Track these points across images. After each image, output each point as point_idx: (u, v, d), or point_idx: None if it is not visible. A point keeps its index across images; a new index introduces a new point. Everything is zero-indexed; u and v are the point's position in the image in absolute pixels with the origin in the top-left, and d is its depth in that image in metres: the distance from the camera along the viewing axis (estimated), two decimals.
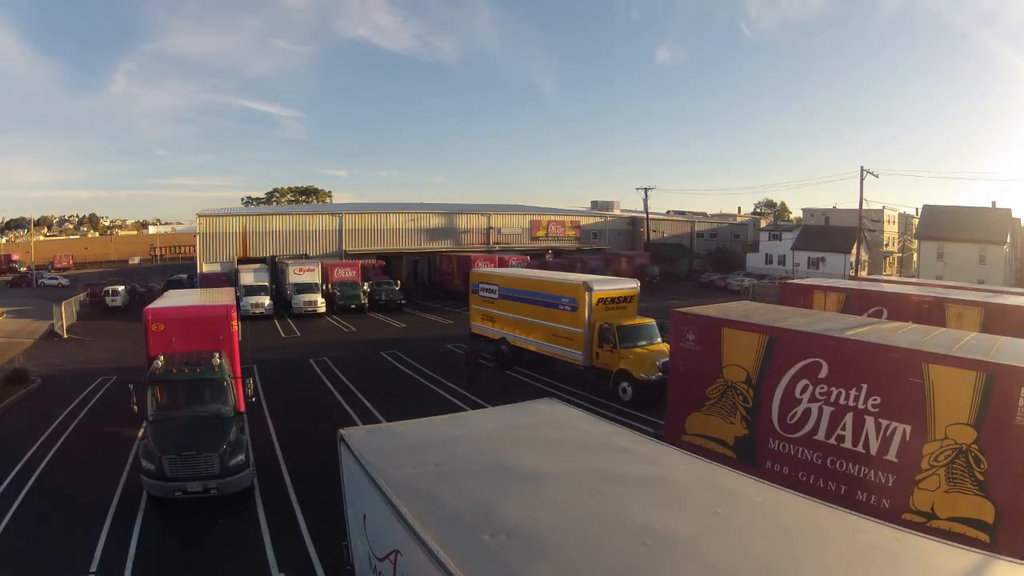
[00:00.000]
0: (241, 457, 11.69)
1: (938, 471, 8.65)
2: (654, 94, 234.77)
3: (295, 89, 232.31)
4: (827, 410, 9.96)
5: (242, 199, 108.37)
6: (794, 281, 27.06)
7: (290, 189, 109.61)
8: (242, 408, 13.61)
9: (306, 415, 17.69)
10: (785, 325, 11.16)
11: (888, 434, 9.20)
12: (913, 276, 52.43)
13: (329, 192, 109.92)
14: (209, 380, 12.68)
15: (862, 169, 45.11)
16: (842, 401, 9.79)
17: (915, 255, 58.88)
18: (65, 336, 31.82)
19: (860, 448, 9.54)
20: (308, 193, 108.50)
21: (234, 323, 14.68)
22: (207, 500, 11.53)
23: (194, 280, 45.75)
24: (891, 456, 9.15)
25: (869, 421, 9.43)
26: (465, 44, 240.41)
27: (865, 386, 9.51)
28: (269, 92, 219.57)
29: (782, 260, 63.21)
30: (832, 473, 9.94)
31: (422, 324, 35.49)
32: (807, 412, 10.23)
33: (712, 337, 11.76)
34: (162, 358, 13.02)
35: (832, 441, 9.90)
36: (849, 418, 9.68)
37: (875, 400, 9.41)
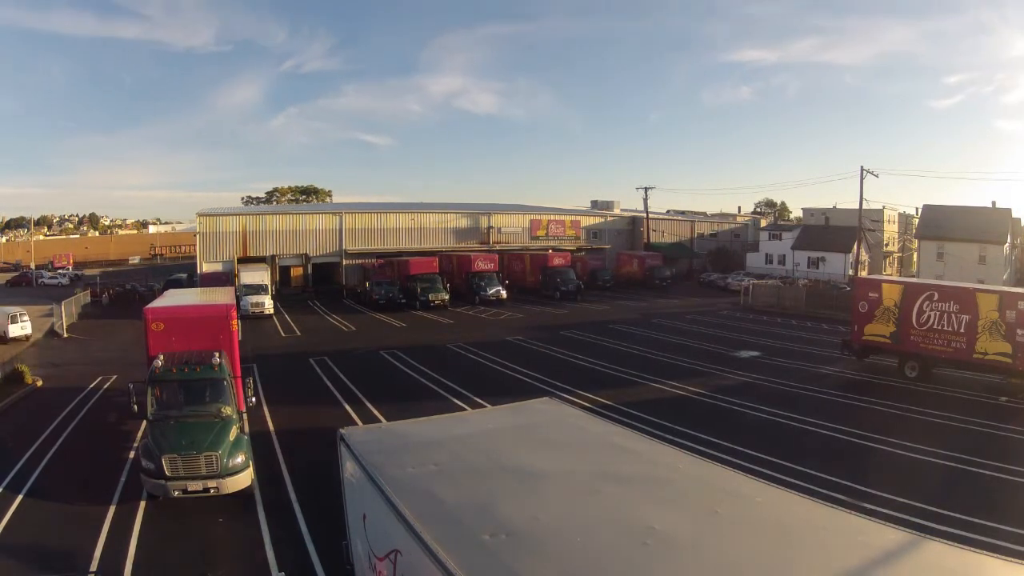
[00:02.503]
0: (241, 457, 11.68)
1: (985, 331, 20.05)
2: (653, 93, 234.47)
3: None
4: (936, 314, 21.29)
5: (242, 198, 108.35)
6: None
7: (290, 188, 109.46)
8: (243, 408, 13.62)
9: (306, 414, 17.71)
10: (913, 281, 25.03)
11: (962, 320, 20.64)
12: (913, 276, 52.44)
13: (329, 191, 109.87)
14: (209, 380, 12.68)
15: (862, 169, 45.13)
16: (943, 309, 21.16)
17: (915, 255, 58.83)
18: (65, 335, 31.83)
19: (952, 328, 20.91)
20: (308, 193, 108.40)
21: (234, 323, 14.70)
22: (207, 500, 11.54)
23: (194, 279, 45.76)
24: (962, 330, 20.62)
25: (955, 316, 20.84)
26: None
27: (951, 302, 21.00)
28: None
29: (782, 260, 63.17)
30: (940, 340, 21.25)
31: (422, 324, 35.50)
32: (928, 315, 21.50)
33: (877, 286, 23.66)
34: (162, 358, 12.99)
35: (939, 327, 21.23)
36: (946, 316, 21.09)
37: (956, 307, 20.83)
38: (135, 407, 12.45)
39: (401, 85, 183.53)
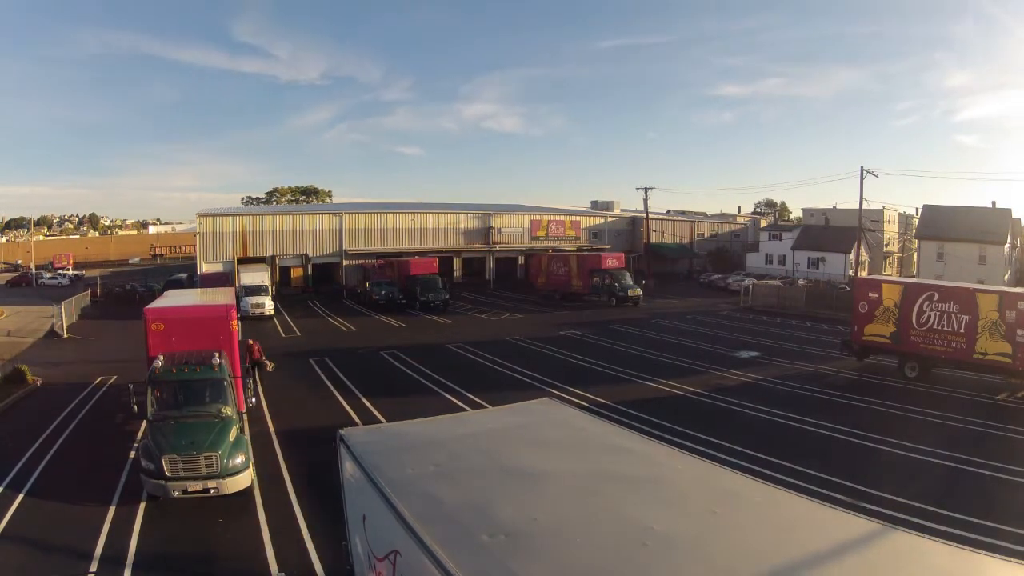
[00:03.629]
0: (241, 457, 11.69)
1: (985, 332, 20.11)
2: (654, 93, 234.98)
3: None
4: (936, 314, 21.34)
5: (242, 198, 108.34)
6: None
7: (290, 189, 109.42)
8: (243, 408, 13.63)
9: (306, 414, 17.71)
10: (912, 282, 25.75)
11: (962, 320, 20.68)
12: (913, 276, 52.41)
13: (329, 192, 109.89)
14: (210, 380, 12.68)
15: (862, 169, 45.08)
16: (943, 309, 21.21)
17: (915, 255, 58.81)
18: (65, 336, 31.83)
19: (952, 328, 20.95)
20: (308, 193, 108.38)
21: (234, 323, 14.68)
22: (207, 500, 11.54)
23: (194, 280, 45.78)
24: (963, 330, 20.67)
25: (955, 316, 20.85)
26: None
27: (952, 302, 21.01)
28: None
29: (782, 260, 63.18)
30: (940, 340, 21.28)
31: (422, 324, 35.49)
32: (928, 316, 21.55)
33: (877, 287, 23.64)
34: (162, 358, 12.99)
35: (939, 327, 21.27)
36: (946, 316, 21.13)
37: (956, 307, 20.85)
38: (135, 407, 12.49)
39: (442, 110, 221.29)
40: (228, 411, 12.47)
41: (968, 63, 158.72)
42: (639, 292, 41.20)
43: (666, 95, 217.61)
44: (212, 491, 11.25)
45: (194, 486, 11.17)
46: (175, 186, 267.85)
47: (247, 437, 12.65)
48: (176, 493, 11.16)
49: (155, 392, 12.41)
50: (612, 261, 43.54)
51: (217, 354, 13.12)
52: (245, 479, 11.70)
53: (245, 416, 13.97)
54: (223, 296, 19.15)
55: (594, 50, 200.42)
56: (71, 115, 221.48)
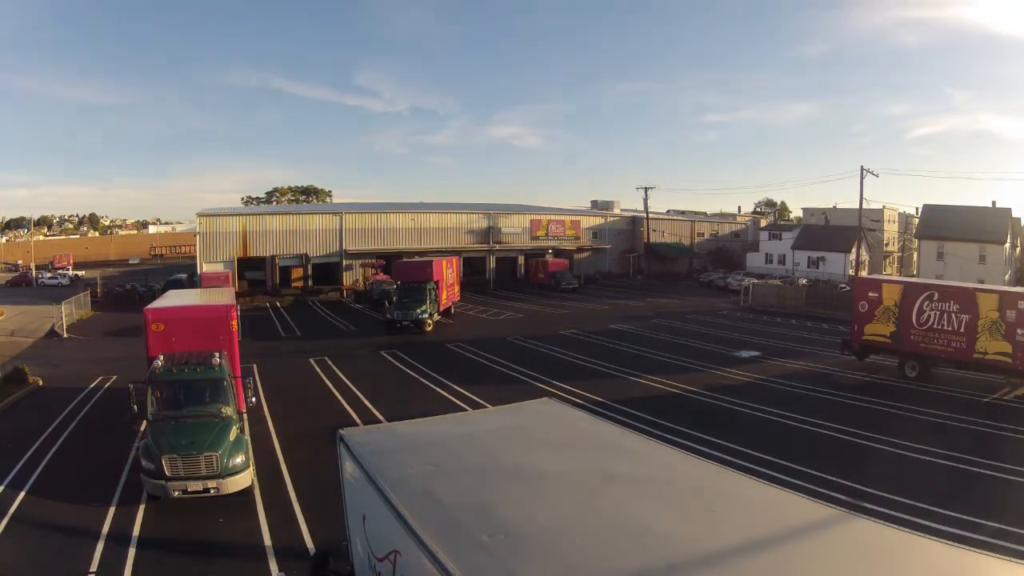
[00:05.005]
0: (241, 457, 11.71)
1: (985, 331, 20.21)
2: (654, 92, 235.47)
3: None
4: (936, 314, 21.42)
5: (242, 198, 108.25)
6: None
7: (290, 188, 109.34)
8: (243, 408, 13.62)
9: (306, 414, 17.71)
10: (912, 281, 26.28)
11: (962, 320, 20.79)
12: (913, 276, 52.41)
13: (329, 191, 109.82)
14: (209, 380, 12.69)
15: (862, 169, 45.13)
16: (943, 308, 21.30)
17: (915, 255, 58.81)
18: (66, 335, 31.84)
19: (952, 327, 21.05)
20: (308, 192, 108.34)
21: (234, 323, 14.64)
22: (207, 500, 11.55)
23: (194, 280, 45.78)
24: (963, 329, 20.76)
25: (955, 316, 20.96)
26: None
27: (952, 302, 21.12)
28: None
29: (782, 260, 63.18)
30: (940, 339, 21.38)
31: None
32: (928, 315, 21.63)
33: (877, 286, 23.72)
34: (162, 358, 12.98)
35: (939, 326, 21.34)
36: (946, 315, 21.23)
37: (956, 307, 20.95)
38: (135, 407, 12.46)
39: (478, 131, 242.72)
40: (228, 411, 12.46)
41: (900, 99, 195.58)
42: (575, 284, 53.71)
43: (666, 104, 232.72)
44: (212, 491, 11.25)
45: (194, 486, 11.18)
46: (219, 188, 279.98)
47: (247, 437, 12.66)
48: (176, 493, 11.16)
49: (155, 392, 12.41)
50: (558, 264, 57.44)
51: (217, 354, 13.10)
52: (245, 479, 11.70)
53: (245, 416, 13.93)
54: (223, 296, 19.14)
55: (609, 92, 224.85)
56: (171, 127, 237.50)
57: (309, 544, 10.26)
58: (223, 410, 12.43)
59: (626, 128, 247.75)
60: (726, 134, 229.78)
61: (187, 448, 11.29)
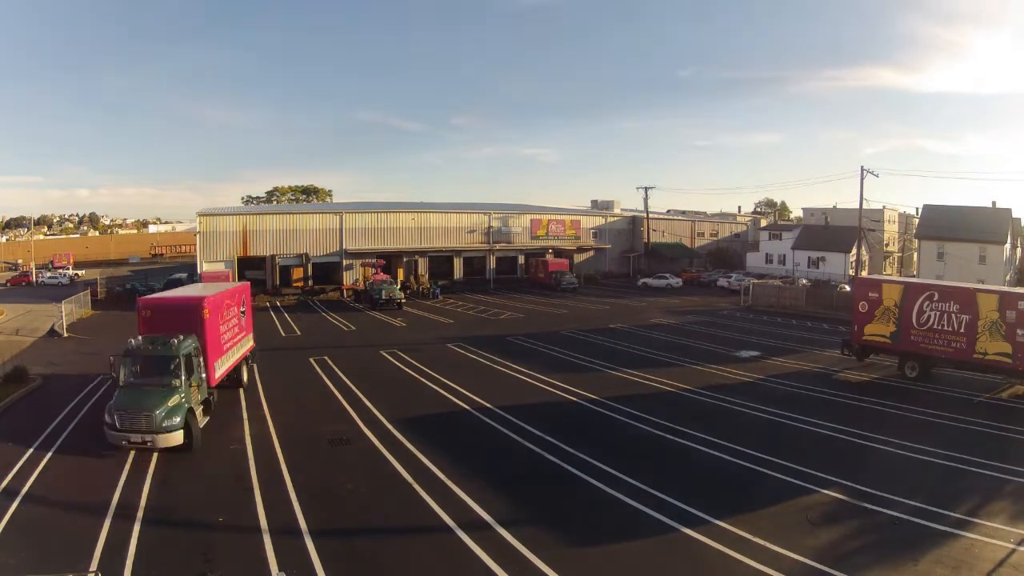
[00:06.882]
0: (176, 419, 14.09)
1: (985, 331, 20.26)
2: (653, 93, 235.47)
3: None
4: (936, 314, 21.46)
5: (242, 198, 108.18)
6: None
7: (290, 188, 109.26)
8: (213, 384, 16.70)
9: (306, 414, 17.71)
10: (913, 281, 25.76)
11: (963, 320, 20.85)
12: (913, 276, 52.40)
13: (329, 191, 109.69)
14: (165, 357, 15.02)
15: (862, 169, 45.09)
16: (943, 309, 21.33)
17: (915, 255, 58.76)
18: (66, 335, 31.83)
19: (952, 327, 21.11)
20: (308, 192, 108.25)
21: (205, 312, 16.99)
22: (208, 500, 11.67)
23: (194, 279, 45.77)
24: (963, 329, 20.82)
25: (955, 316, 21.00)
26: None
27: (952, 302, 21.14)
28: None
29: (782, 260, 63.14)
30: (940, 339, 21.43)
31: (422, 323, 35.50)
32: (928, 315, 21.69)
33: (877, 286, 23.66)
34: (140, 337, 15.69)
35: (939, 326, 21.41)
36: (946, 316, 21.26)
37: (956, 307, 20.97)
38: (114, 375, 15.29)
39: (508, 151, 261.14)
40: (177, 383, 14.69)
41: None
42: (575, 283, 54.53)
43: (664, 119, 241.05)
44: (149, 443, 13.84)
45: (134, 438, 13.85)
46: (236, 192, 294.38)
47: (192, 405, 14.82)
48: (123, 443, 13.91)
49: (126, 363, 15.10)
50: (558, 264, 58.05)
51: (180, 336, 15.53)
52: (177, 437, 14.05)
53: (215, 391, 16.93)
54: (207, 290, 19.97)
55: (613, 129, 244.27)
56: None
57: (309, 544, 10.27)
58: (172, 382, 14.69)
59: (628, 134, 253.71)
60: (726, 138, 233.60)
61: (132, 406, 13.98)
